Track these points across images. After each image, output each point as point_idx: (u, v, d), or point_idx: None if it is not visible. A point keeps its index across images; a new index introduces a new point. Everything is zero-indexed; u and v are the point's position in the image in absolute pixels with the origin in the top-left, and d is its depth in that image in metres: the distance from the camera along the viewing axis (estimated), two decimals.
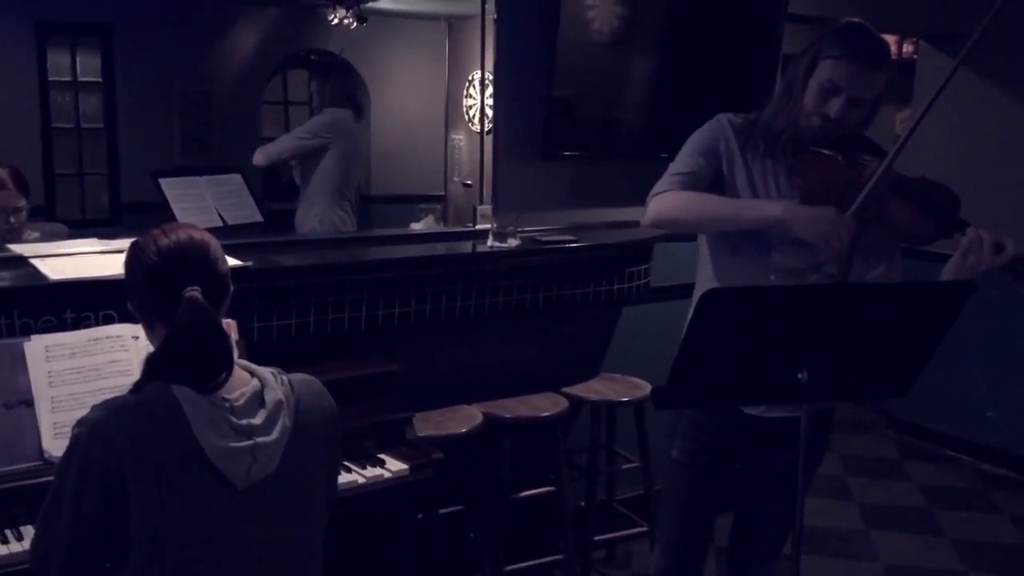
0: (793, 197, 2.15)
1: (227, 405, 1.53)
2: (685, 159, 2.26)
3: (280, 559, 1.61)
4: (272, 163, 4.39)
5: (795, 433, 2.19)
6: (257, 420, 1.54)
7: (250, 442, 1.52)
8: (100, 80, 5.85)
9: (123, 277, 1.64)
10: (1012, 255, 1.98)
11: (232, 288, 1.66)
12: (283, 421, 1.57)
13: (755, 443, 2.32)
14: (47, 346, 2.19)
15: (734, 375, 1.86)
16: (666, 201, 2.21)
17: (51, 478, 1.54)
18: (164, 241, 1.57)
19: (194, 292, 1.52)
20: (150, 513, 1.46)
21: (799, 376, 1.80)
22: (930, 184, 2.14)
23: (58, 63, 5.73)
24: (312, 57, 6.55)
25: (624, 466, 3.59)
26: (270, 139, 6.47)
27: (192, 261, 1.57)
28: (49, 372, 2.17)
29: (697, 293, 2.36)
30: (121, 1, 5.51)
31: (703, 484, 2.37)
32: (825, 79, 2.09)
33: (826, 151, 2.14)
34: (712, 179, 2.25)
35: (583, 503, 3.48)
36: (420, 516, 2.82)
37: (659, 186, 2.25)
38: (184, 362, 1.52)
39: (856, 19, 2.19)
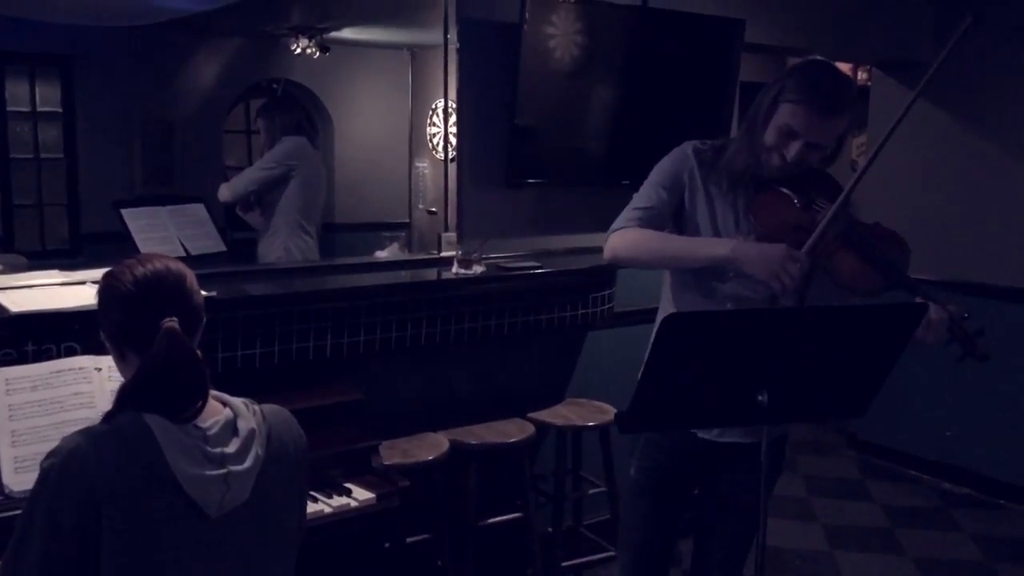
0: (750, 234, 2.19)
1: (200, 434, 1.52)
2: (647, 192, 2.29)
3: None
4: (238, 197, 4.34)
5: (746, 457, 2.24)
6: (230, 449, 1.54)
7: (223, 471, 1.51)
8: (60, 110, 5.81)
9: (90, 307, 1.65)
10: (948, 324, 2.02)
11: (204, 319, 1.66)
12: (256, 450, 1.57)
13: (708, 466, 2.36)
14: (7, 379, 2.16)
15: (696, 398, 1.89)
16: (623, 239, 2.26)
17: (11, 513, 1.53)
18: (140, 270, 1.57)
19: (172, 323, 1.52)
20: (123, 543, 1.44)
21: (759, 398, 1.83)
22: (883, 234, 2.15)
23: (17, 93, 5.70)
24: (274, 86, 6.57)
25: (591, 491, 3.60)
26: (232, 168, 6.49)
27: (168, 291, 1.57)
28: (9, 406, 2.14)
29: (660, 318, 2.39)
30: (81, 31, 5.47)
31: (660, 502, 2.40)
32: (783, 123, 2.10)
33: (785, 190, 2.16)
34: (674, 210, 2.29)
35: (550, 529, 3.48)
36: (387, 545, 2.81)
37: (618, 222, 2.29)
38: (160, 392, 1.51)
39: (819, 58, 2.21)
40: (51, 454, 1.48)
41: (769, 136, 2.13)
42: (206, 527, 1.51)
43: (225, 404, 1.61)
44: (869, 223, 2.19)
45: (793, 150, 2.11)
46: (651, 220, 2.25)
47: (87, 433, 1.50)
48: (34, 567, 1.45)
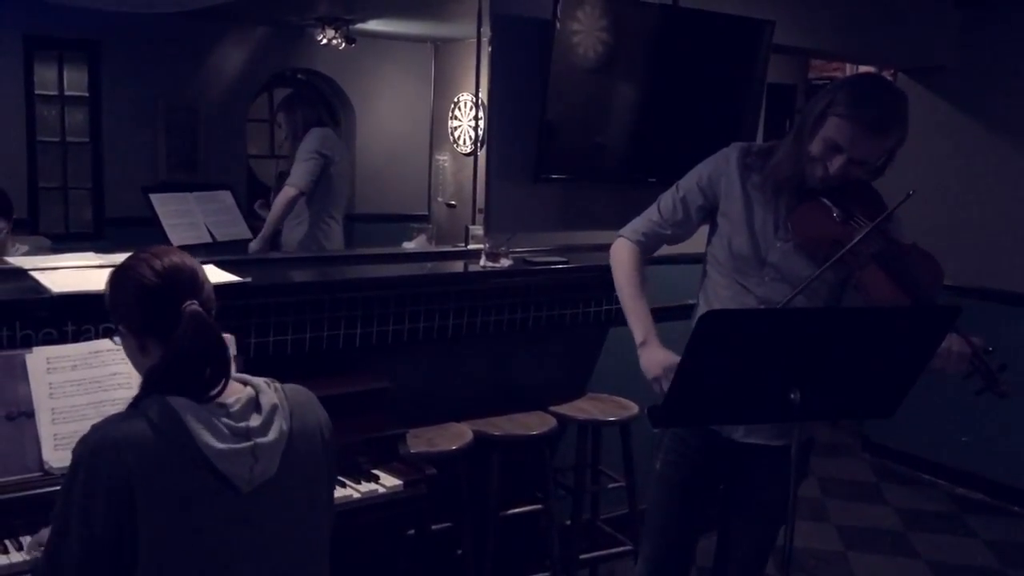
0: (787, 240, 2.22)
1: (224, 411, 1.56)
2: (668, 201, 2.38)
3: (287, 564, 1.63)
4: (305, 190, 4.21)
5: (771, 459, 2.27)
6: (254, 423, 1.58)
7: (250, 443, 1.55)
8: (86, 95, 5.85)
9: (110, 301, 1.67)
10: (969, 356, 2.02)
11: (215, 308, 1.70)
12: (279, 424, 1.61)
13: (733, 465, 2.38)
14: (48, 358, 2.20)
15: (730, 394, 1.91)
16: (617, 251, 2.43)
17: (52, 489, 1.56)
18: (158, 263, 1.62)
19: (194, 306, 1.58)
20: (158, 524, 1.47)
21: (792, 396, 1.86)
22: (919, 257, 2.15)
23: (45, 77, 5.73)
24: (299, 76, 6.59)
25: (609, 485, 3.63)
26: (255, 156, 6.54)
27: (187, 280, 1.63)
28: (50, 384, 2.18)
29: (696, 316, 2.44)
30: (108, 17, 5.51)
31: (684, 496, 2.43)
32: (829, 136, 2.09)
33: (827, 202, 2.16)
34: (704, 215, 2.36)
35: (569, 521, 3.51)
36: (412, 532, 2.84)
37: (628, 228, 2.42)
38: (186, 374, 1.56)
39: (872, 71, 2.22)
40: (80, 443, 1.51)
41: (815, 147, 2.13)
42: (239, 503, 1.54)
43: (246, 383, 1.65)
44: (907, 243, 2.18)
45: (837, 164, 2.10)
46: (654, 239, 2.40)
47: (112, 421, 1.53)
48: (75, 556, 1.48)
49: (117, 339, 1.71)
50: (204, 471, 1.51)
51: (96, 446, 1.49)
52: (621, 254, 2.41)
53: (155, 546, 1.47)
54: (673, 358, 2.19)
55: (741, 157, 2.28)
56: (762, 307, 2.23)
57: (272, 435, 1.59)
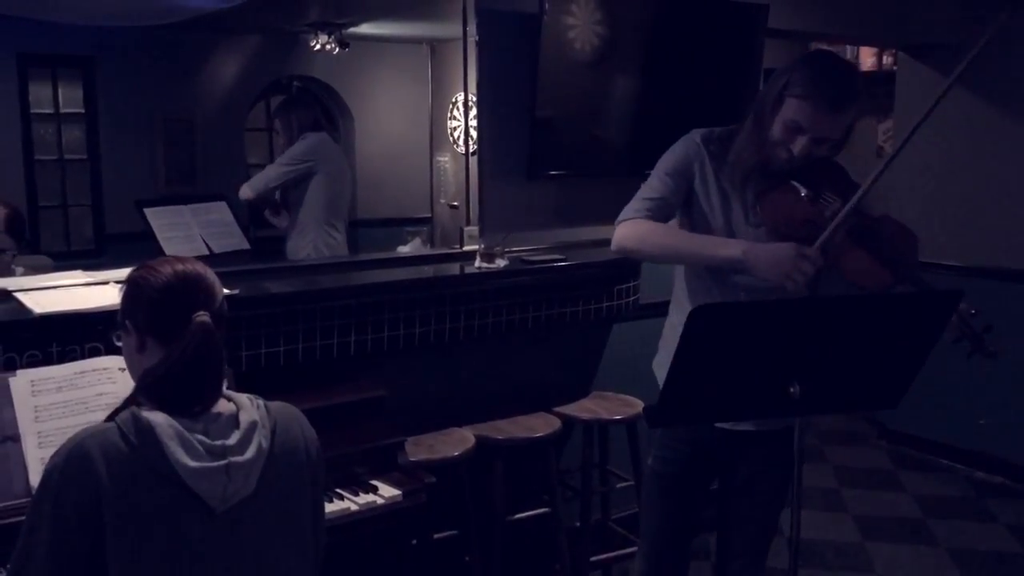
0: (759, 227, 2.17)
1: (200, 427, 1.54)
2: (655, 181, 2.27)
3: None
4: (259, 195, 4.29)
5: (764, 445, 2.23)
6: (231, 441, 1.55)
7: (224, 462, 1.52)
8: (82, 111, 5.85)
9: (114, 308, 1.66)
10: (955, 322, 1.98)
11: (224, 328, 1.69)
12: (258, 442, 1.58)
13: (727, 454, 2.34)
14: (32, 380, 2.16)
15: (726, 391, 1.85)
16: (631, 230, 2.23)
17: None
18: (180, 267, 1.63)
19: (205, 316, 1.57)
20: (128, 541, 1.44)
21: (791, 390, 1.80)
22: (893, 228, 2.13)
23: (40, 95, 5.74)
24: (295, 83, 6.56)
25: (618, 485, 3.57)
26: (254, 165, 6.50)
27: (205, 289, 1.63)
28: (35, 407, 2.14)
29: (673, 311, 2.42)
30: (102, 32, 5.50)
31: (679, 491, 2.40)
32: (789, 118, 2.08)
33: (794, 183, 2.13)
34: (683, 199, 2.27)
35: (578, 524, 3.45)
36: (414, 542, 2.79)
37: (627, 211, 2.26)
38: (180, 383, 1.54)
39: (824, 49, 2.18)
40: (54, 455, 1.49)
41: (776, 130, 2.11)
42: (212, 523, 1.51)
43: (229, 399, 1.63)
44: (877, 216, 2.16)
45: (800, 145, 2.08)
46: (660, 210, 2.23)
47: (86, 433, 1.50)
48: (40, 568, 1.44)
49: (118, 339, 1.69)
50: (176, 489, 1.48)
51: (67, 458, 1.46)
52: (639, 227, 2.22)
53: (126, 564, 1.44)
54: (790, 245, 2.00)
55: (705, 144, 2.23)
56: (742, 295, 2.19)
57: (249, 453, 1.55)
